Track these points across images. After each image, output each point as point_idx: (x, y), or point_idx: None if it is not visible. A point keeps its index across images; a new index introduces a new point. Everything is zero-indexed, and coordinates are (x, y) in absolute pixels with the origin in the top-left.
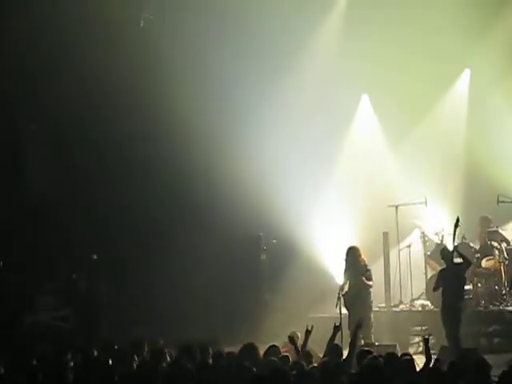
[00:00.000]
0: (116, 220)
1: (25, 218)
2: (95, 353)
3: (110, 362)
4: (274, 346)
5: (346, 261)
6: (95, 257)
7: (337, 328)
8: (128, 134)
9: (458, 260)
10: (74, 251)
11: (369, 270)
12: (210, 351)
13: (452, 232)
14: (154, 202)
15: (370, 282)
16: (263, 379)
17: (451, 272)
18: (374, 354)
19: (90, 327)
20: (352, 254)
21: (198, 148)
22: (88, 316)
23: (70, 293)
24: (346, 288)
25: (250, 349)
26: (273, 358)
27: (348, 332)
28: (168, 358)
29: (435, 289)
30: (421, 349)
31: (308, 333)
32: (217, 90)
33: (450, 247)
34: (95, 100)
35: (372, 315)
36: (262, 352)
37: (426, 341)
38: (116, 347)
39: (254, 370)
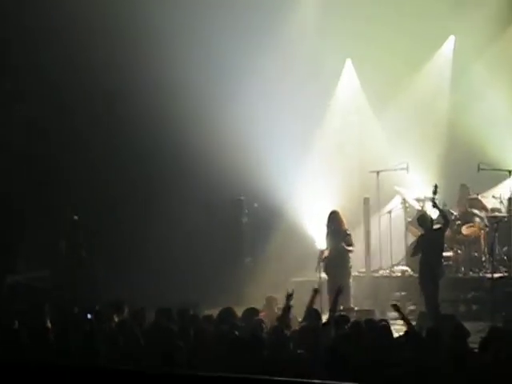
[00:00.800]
0: (89, 182)
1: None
2: (76, 311)
3: (89, 316)
4: (252, 308)
5: (328, 225)
6: (76, 217)
7: (316, 292)
8: (105, 94)
9: (436, 226)
10: (54, 213)
11: (349, 235)
12: (190, 314)
13: (431, 198)
14: (131, 163)
15: (350, 248)
16: (241, 342)
17: (429, 238)
18: (353, 319)
19: (69, 288)
20: (333, 218)
21: (182, 109)
22: (67, 277)
23: (50, 253)
24: (326, 253)
25: (227, 312)
26: (253, 322)
27: (327, 297)
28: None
29: (413, 254)
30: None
31: (289, 296)
32: (203, 57)
33: (430, 214)
34: (70, 73)
35: (351, 280)
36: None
37: (395, 307)
38: (97, 308)
39: (236, 333)
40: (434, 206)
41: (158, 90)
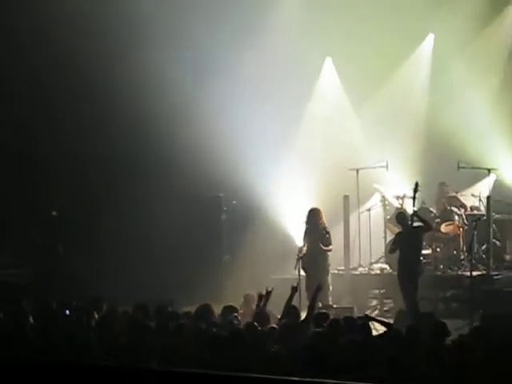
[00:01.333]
0: (68, 179)
1: None
2: (54, 306)
3: (67, 312)
4: (231, 306)
5: (306, 223)
6: (55, 213)
7: (294, 289)
8: (88, 91)
9: (417, 223)
10: (26, 204)
11: (328, 233)
12: (167, 311)
13: (412, 196)
14: (111, 159)
15: (328, 247)
16: (220, 340)
17: (408, 235)
18: (332, 316)
19: (46, 284)
20: (312, 216)
21: (161, 107)
22: (44, 273)
23: (27, 248)
24: (304, 250)
25: (205, 310)
26: (229, 318)
27: (306, 294)
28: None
29: (391, 251)
30: (377, 312)
31: (268, 294)
32: (183, 56)
33: (410, 212)
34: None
35: (329, 278)
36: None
37: (368, 318)
38: (74, 303)
39: (214, 330)
40: (415, 214)
41: (138, 89)
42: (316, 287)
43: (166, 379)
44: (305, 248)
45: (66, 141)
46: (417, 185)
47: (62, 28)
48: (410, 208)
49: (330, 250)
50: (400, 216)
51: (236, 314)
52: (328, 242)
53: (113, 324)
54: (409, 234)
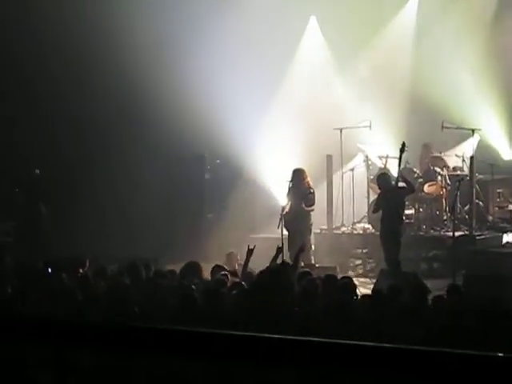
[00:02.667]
0: (49, 139)
1: None
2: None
3: (50, 270)
4: (218, 265)
5: (290, 182)
6: (37, 171)
7: (279, 249)
8: (64, 55)
9: (401, 184)
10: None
11: (312, 193)
12: (152, 269)
13: (398, 156)
14: (92, 119)
15: (310, 208)
16: (194, 299)
17: (391, 195)
18: (313, 275)
19: (31, 241)
20: (296, 176)
21: (142, 67)
22: (28, 231)
23: (10, 207)
24: (287, 209)
25: (192, 267)
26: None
27: (288, 253)
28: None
29: (374, 211)
30: (361, 271)
31: (249, 252)
32: (166, 22)
33: (395, 171)
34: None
35: (312, 237)
36: (204, 271)
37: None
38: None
39: (193, 287)
40: (400, 175)
41: (120, 51)
42: (299, 248)
43: (150, 336)
44: (287, 207)
45: (39, 99)
46: (403, 145)
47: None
48: (393, 168)
49: (312, 210)
50: (381, 177)
51: (225, 273)
52: (311, 202)
53: (97, 281)
54: (391, 194)
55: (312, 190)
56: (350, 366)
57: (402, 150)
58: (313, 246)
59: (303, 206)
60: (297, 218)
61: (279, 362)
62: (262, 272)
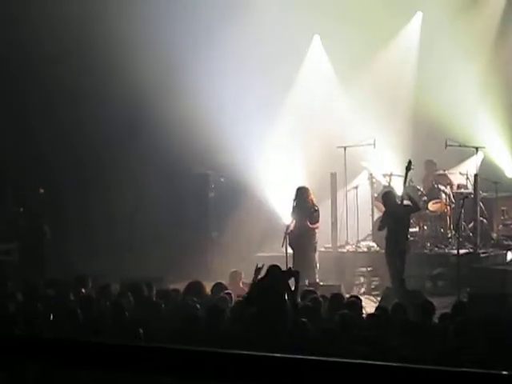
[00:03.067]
0: (53, 151)
1: None
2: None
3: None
4: (220, 283)
5: (295, 201)
6: (42, 191)
7: (258, 270)
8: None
9: (405, 202)
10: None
11: (317, 211)
12: (154, 288)
13: (404, 174)
14: (94, 134)
15: (315, 225)
16: (197, 318)
17: (396, 213)
18: (318, 294)
19: (34, 262)
20: (301, 194)
21: (147, 83)
22: (31, 251)
23: (12, 226)
24: (292, 227)
25: (195, 286)
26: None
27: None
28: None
29: (380, 229)
30: (365, 289)
31: (257, 271)
32: (167, 32)
33: (399, 190)
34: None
35: (316, 256)
36: (208, 289)
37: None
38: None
39: (198, 307)
40: (406, 193)
41: (124, 69)
42: (293, 273)
43: (151, 355)
44: (292, 225)
45: (56, 119)
46: (410, 163)
47: None
48: (397, 186)
49: (317, 228)
50: (387, 195)
51: (229, 291)
52: (316, 220)
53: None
54: (397, 212)
55: (316, 208)
56: None
57: (408, 168)
58: (318, 265)
59: (308, 223)
60: (302, 236)
61: (281, 380)
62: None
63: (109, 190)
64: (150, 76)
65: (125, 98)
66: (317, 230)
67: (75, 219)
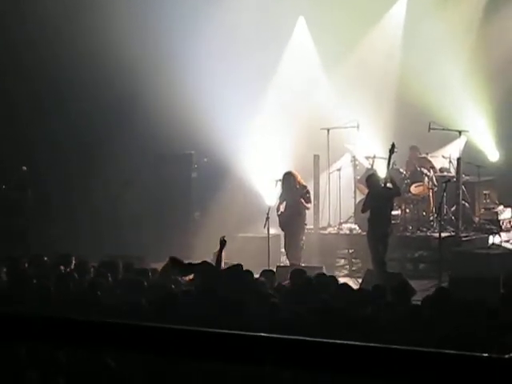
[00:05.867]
0: (37, 135)
1: None
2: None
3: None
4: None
5: (283, 183)
6: (24, 168)
7: (223, 242)
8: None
9: (389, 185)
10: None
11: (308, 192)
12: (134, 267)
13: (385, 157)
14: (80, 120)
15: (308, 204)
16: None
17: (379, 196)
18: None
19: (17, 239)
20: (289, 177)
21: (131, 66)
22: (15, 227)
23: None
24: (282, 208)
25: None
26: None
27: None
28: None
29: (363, 211)
30: (347, 271)
31: (222, 243)
32: (153, 19)
33: (382, 172)
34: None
35: (303, 237)
36: None
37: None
38: (45, 259)
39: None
40: (388, 177)
41: (108, 50)
42: (220, 241)
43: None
44: (282, 206)
45: (40, 106)
46: (393, 146)
47: None
48: (380, 168)
49: (308, 208)
50: (371, 177)
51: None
52: (309, 200)
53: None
54: (380, 194)
55: (307, 189)
56: (336, 365)
57: (391, 151)
58: (304, 246)
59: (304, 203)
60: (294, 217)
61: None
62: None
63: (93, 172)
64: (133, 60)
65: (111, 83)
66: (307, 211)
67: (57, 201)
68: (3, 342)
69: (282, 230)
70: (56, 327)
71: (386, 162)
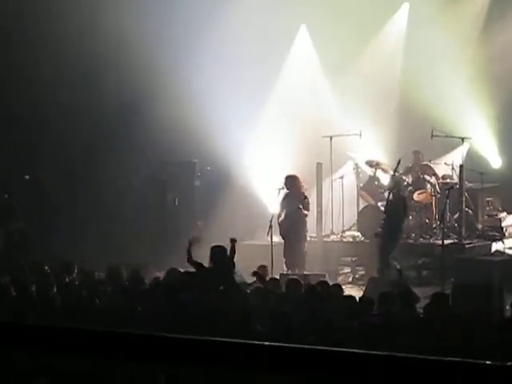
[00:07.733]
0: (41, 138)
1: None
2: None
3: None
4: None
5: (284, 189)
6: (27, 177)
7: (233, 241)
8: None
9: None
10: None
11: (307, 199)
12: (138, 275)
13: (392, 174)
14: (85, 127)
15: (306, 212)
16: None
17: (394, 205)
18: (303, 282)
19: (20, 247)
20: (291, 182)
21: (136, 73)
22: (14, 236)
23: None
24: (283, 216)
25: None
26: None
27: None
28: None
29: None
30: (350, 279)
31: (233, 242)
32: (156, 27)
33: (384, 179)
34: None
35: (306, 245)
36: None
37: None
38: (47, 268)
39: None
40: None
41: (114, 65)
42: (191, 240)
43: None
44: (283, 214)
45: (41, 106)
46: (399, 162)
47: None
48: (382, 176)
49: (307, 215)
50: (398, 183)
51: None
52: (307, 207)
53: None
54: (395, 203)
55: (306, 195)
56: (331, 372)
57: (396, 169)
58: (306, 254)
59: (302, 210)
60: (295, 224)
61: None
62: None
63: (97, 179)
64: (137, 67)
65: (116, 87)
66: (306, 219)
67: (63, 209)
68: (9, 350)
69: (283, 238)
70: (58, 336)
71: (390, 176)
